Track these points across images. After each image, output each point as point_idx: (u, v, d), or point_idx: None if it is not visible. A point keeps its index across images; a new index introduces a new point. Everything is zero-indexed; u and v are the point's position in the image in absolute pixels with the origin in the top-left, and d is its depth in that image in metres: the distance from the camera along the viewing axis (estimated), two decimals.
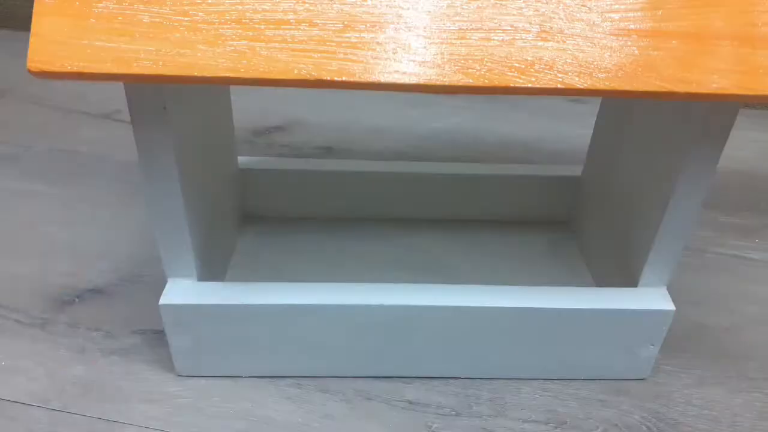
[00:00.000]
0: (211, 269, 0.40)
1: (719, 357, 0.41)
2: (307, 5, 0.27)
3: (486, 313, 0.35)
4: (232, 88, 0.46)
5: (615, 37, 0.27)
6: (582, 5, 0.27)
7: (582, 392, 0.38)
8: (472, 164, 0.49)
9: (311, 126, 0.65)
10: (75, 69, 0.26)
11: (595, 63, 0.27)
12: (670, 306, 0.36)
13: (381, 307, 0.35)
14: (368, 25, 0.27)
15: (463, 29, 0.27)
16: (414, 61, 0.27)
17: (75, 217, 0.51)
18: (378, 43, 0.27)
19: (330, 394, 0.37)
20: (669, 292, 0.36)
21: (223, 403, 0.37)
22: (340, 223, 0.49)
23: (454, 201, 0.49)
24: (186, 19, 0.26)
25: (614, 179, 0.42)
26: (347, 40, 0.26)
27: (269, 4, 0.27)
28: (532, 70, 0.27)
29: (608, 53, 0.27)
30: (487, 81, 0.26)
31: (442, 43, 0.27)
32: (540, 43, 0.27)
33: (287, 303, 0.35)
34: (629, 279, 0.37)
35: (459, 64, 0.27)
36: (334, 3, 0.27)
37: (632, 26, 0.27)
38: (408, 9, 0.27)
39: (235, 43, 0.26)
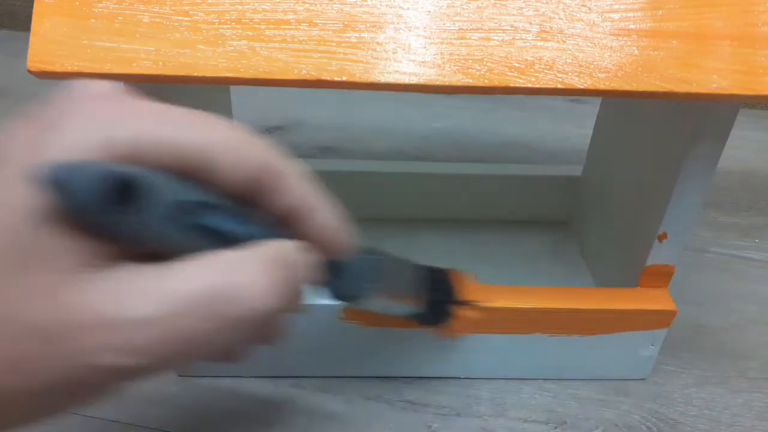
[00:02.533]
0: None
1: (719, 357, 0.41)
2: (307, 5, 0.27)
3: (485, 313, 0.35)
4: (232, 88, 0.46)
5: (615, 37, 0.27)
6: (582, 5, 0.27)
7: (582, 392, 0.38)
8: (472, 164, 0.49)
9: (311, 126, 0.65)
10: (75, 69, 0.26)
11: (595, 63, 0.27)
12: (670, 306, 0.36)
13: None
14: (368, 25, 0.27)
15: (463, 29, 0.27)
16: (414, 61, 0.27)
17: None
18: (378, 43, 0.27)
19: (330, 394, 0.37)
20: (669, 292, 0.37)
21: (224, 404, 0.37)
22: None
23: (453, 201, 0.49)
24: (186, 19, 0.26)
25: (614, 179, 0.42)
26: (347, 40, 0.27)
27: (269, 4, 0.27)
28: (532, 70, 0.27)
29: (608, 53, 0.27)
30: (487, 81, 0.26)
31: (442, 43, 0.27)
32: (540, 43, 0.27)
33: None
34: (629, 279, 0.37)
35: (459, 64, 0.27)
36: (334, 3, 0.27)
37: (632, 26, 0.27)
38: (408, 9, 0.27)
39: (235, 43, 0.26)
